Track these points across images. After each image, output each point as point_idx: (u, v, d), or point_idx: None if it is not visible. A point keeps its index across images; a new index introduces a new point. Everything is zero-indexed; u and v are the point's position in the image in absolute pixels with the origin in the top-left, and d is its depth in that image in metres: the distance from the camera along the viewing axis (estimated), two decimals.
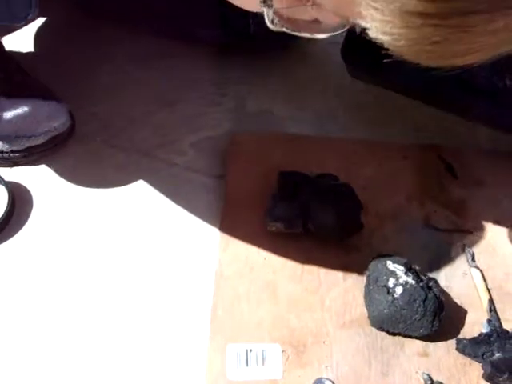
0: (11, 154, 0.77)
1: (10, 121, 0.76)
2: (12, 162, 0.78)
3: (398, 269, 0.60)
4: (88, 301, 0.66)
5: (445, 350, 0.60)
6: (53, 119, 0.77)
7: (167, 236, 0.72)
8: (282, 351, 0.59)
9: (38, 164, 0.78)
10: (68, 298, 0.66)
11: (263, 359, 0.58)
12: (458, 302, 0.64)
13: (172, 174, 0.78)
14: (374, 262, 0.63)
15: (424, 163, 0.79)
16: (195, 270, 0.68)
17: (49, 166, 0.78)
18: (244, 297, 0.63)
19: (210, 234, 0.71)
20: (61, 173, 0.78)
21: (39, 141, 0.77)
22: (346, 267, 0.66)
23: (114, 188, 0.77)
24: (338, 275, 0.66)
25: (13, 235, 0.71)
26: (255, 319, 0.61)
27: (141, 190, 0.77)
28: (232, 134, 0.80)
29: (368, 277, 0.63)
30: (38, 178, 0.77)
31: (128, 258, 0.70)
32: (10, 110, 0.77)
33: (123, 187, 0.77)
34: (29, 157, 0.78)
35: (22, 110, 0.77)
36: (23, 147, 0.77)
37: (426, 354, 0.60)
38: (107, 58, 0.92)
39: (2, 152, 0.76)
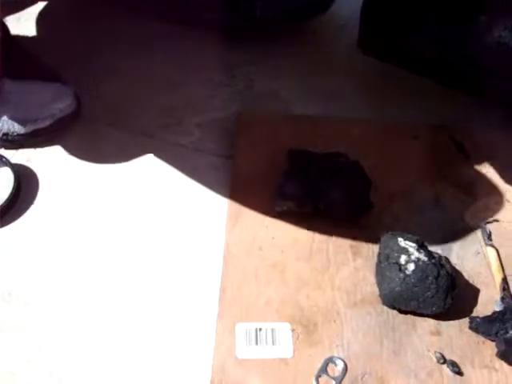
0: (17, 137, 0.77)
1: (15, 103, 0.76)
2: (18, 144, 0.78)
3: (410, 245, 0.59)
4: (95, 281, 0.65)
5: (457, 328, 0.59)
6: (58, 101, 0.77)
7: (175, 216, 0.71)
8: (292, 330, 0.58)
9: (43, 146, 0.78)
10: (75, 277, 0.65)
11: (273, 338, 0.57)
12: (471, 280, 0.64)
13: (179, 155, 0.78)
14: (385, 240, 0.62)
15: (435, 143, 0.78)
16: (203, 249, 0.68)
17: (54, 147, 0.78)
18: (252, 276, 0.62)
19: (218, 213, 0.70)
20: (66, 154, 0.78)
21: (45, 123, 0.77)
22: (356, 246, 0.65)
23: (119, 169, 0.76)
24: (347, 254, 0.65)
25: (19, 216, 0.71)
26: (264, 298, 0.61)
27: (147, 171, 0.76)
28: (240, 114, 0.80)
29: (379, 254, 0.62)
30: (43, 160, 0.77)
31: (136, 239, 0.69)
32: (16, 93, 0.77)
33: (129, 168, 0.76)
34: (35, 139, 0.77)
35: (27, 92, 0.77)
36: (29, 130, 0.76)
37: (438, 333, 0.59)
38: (114, 42, 0.92)
39: (8, 134, 0.76)
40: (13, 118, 0.76)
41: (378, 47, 0.84)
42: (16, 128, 0.76)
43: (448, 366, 0.57)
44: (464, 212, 0.70)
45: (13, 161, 0.75)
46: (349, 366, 0.56)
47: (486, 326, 0.58)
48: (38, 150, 0.78)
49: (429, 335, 0.59)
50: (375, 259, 0.63)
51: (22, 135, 0.77)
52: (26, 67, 0.79)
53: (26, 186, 0.74)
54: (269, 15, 0.91)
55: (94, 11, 0.96)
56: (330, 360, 0.56)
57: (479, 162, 0.76)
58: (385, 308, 0.60)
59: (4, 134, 0.76)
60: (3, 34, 0.79)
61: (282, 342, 0.57)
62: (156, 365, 0.59)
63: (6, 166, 0.74)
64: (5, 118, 0.75)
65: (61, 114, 0.77)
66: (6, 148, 0.77)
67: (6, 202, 0.70)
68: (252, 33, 0.94)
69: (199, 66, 0.91)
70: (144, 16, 0.96)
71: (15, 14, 0.95)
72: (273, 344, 0.57)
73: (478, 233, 0.68)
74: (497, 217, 0.70)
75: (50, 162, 0.77)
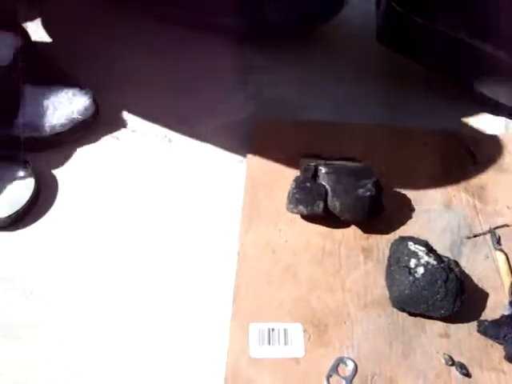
0: (38, 140, 0.78)
1: (36, 108, 0.78)
2: (39, 148, 0.79)
3: (420, 249, 0.61)
4: (113, 280, 0.67)
5: (466, 331, 0.61)
6: (77, 105, 0.79)
7: (190, 218, 0.73)
8: (304, 331, 0.60)
9: (63, 149, 0.80)
10: (94, 277, 0.67)
11: (285, 338, 0.59)
12: (480, 284, 0.65)
13: (194, 159, 0.80)
14: (395, 243, 0.64)
15: (445, 149, 0.79)
16: (218, 251, 0.69)
17: (73, 151, 0.80)
18: (265, 278, 0.64)
19: (232, 216, 0.71)
20: (84, 158, 0.80)
21: (65, 127, 0.78)
22: (367, 250, 0.67)
23: (137, 172, 0.78)
24: (358, 257, 0.66)
25: (40, 218, 0.73)
26: (277, 300, 0.62)
27: (164, 174, 0.78)
28: (253, 120, 0.81)
29: (389, 258, 0.63)
30: (63, 163, 0.79)
31: (152, 241, 0.71)
32: (36, 98, 0.78)
33: (146, 171, 0.78)
34: (55, 142, 0.79)
35: (47, 97, 0.79)
36: (50, 134, 0.78)
37: (447, 336, 0.60)
38: (130, 47, 0.94)
39: (29, 138, 0.78)
40: (34, 123, 0.78)
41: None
42: (37, 132, 0.78)
43: (456, 368, 0.58)
44: (474, 217, 0.71)
45: (33, 164, 0.77)
46: (359, 367, 0.57)
47: (494, 330, 0.60)
48: (58, 153, 0.80)
49: (438, 337, 0.60)
50: (385, 262, 0.64)
51: (42, 139, 0.78)
52: (46, 72, 0.81)
53: (45, 188, 0.76)
54: (280, 19, 0.92)
55: (108, 16, 0.97)
56: (340, 360, 0.58)
57: (489, 168, 0.77)
58: (394, 310, 0.62)
59: (26, 138, 0.78)
60: (24, 40, 0.81)
61: (293, 342, 0.59)
62: (171, 363, 0.60)
63: (27, 169, 0.76)
64: (26, 122, 0.77)
65: (80, 118, 0.79)
66: (27, 152, 0.79)
67: (26, 204, 0.72)
68: (264, 37, 0.95)
69: (212, 71, 0.92)
70: (157, 21, 0.97)
71: (34, 21, 0.96)
72: (285, 344, 0.59)
73: (488, 237, 0.69)
74: (506, 222, 0.71)
75: (69, 165, 0.78)
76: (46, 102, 0.79)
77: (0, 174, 0.77)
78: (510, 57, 0.79)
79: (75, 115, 0.79)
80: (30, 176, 0.75)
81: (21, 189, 0.75)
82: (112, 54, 0.91)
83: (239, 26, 0.94)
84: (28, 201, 0.73)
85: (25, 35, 0.82)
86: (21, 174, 0.77)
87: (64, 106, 0.79)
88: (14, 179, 0.76)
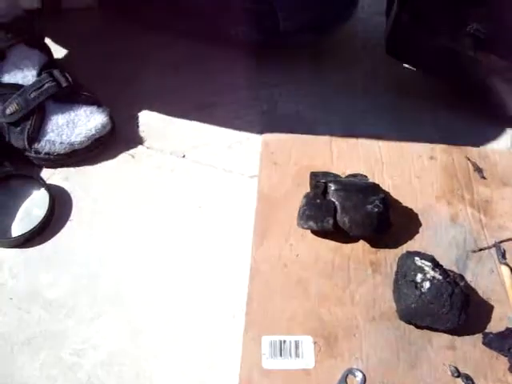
0: (57, 156, 0.81)
1: (57, 124, 0.81)
2: (59, 164, 0.82)
3: (426, 264, 0.63)
4: (132, 295, 0.70)
5: (471, 343, 0.63)
6: (95, 122, 0.81)
7: (203, 233, 0.75)
8: (314, 343, 0.62)
9: (81, 165, 0.83)
10: (111, 290, 0.70)
11: (296, 350, 0.61)
12: (485, 298, 0.66)
13: (207, 174, 0.82)
14: (402, 258, 0.66)
15: (451, 164, 0.80)
16: (230, 266, 0.72)
17: (89, 168, 0.83)
18: (277, 291, 0.66)
19: (244, 231, 0.74)
20: (100, 174, 0.82)
21: (82, 144, 0.81)
22: (375, 264, 0.69)
23: (151, 187, 0.81)
24: (367, 271, 0.68)
25: (57, 233, 0.76)
26: (288, 312, 0.64)
27: (177, 189, 0.80)
28: (264, 136, 0.84)
29: (397, 272, 0.65)
30: (80, 179, 0.81)
31: (166, 255, 0.73)
32: (57, 115, 0.81)
33: (160, 186, 0.81)
34: (73, 159, 0.82)
35: (67, 114, 0.81)
36: (69, 150, 0.81)
37: (453, 348, 0.62)
38: (145, 63, 0.96)
39: (50, 154, 0.81)
40: (54, 139, 0.80)
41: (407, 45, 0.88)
42: (57, 148, 0.80)
43: (462, 380, 0.60)
44: (479, 231, 0.73)
45: (50, 180, 0.80)
46: (367, 378, 0.59)
47: (498, 342, 0.62)
48: (75, 169, 0.82)
49: (444, 349, 0.62)
50: (393, 276, 0.66)
51: (61, 155, 0.81)
52: (67, 90, 0.83)
53: (62, 204, 0.78)
54: (292, 28, 0.93)
55: (121, 31, 1.00)
56: (349, 371, 0.60)
57: (495, 183, 0.78)
58: (402, 323, 0.64)
59: (46, 154, 0.81)
60: (48, 57, 0.84)
61: (304, 353, 0.61)
62: (187, 374, 0.63)
63: (42, 186, 0.79)
64: (47, 138, 0.80)
65: (97, 135, 0.82)
66: (47, 167, 0.82)
67: (40, 223, 0.75)
68: (276, 48, 0.97)
69: (225, 87, 0.94)
70: (170, 35, 0.99)
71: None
72: (296, 356, 0.61)
73: (493, 251, 0.71)
74: (511, 236, 0.72)
75: (86, 181, 0.81)
76: (66, 119, 0.81)
77: (15, 192, 0.79)
78: None
79: (94, 132, 0.81)
80: (44, 194, 0.78)
81: (35, 207, 0.78)
82: (129, 71, 0.94)
83: (251, 36, 0.95)
84: (42, 220, 0.75)
85: (48, 52, 0.85)
86: (36, 192, 0.79)
87: (82, 124, 0.81)
88: (29, 197, 0.79)
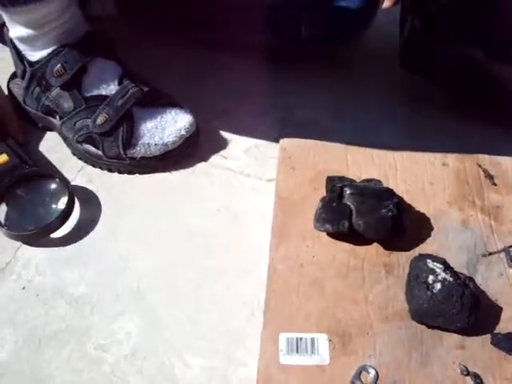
0: (153, 159, 0.84)
1: (146, 128, 0.83)
2: (152, 168, 0.85)
3: (437, 267, 0.65)
4: (154, 296, 0.73)
5: (480, 343, 0.65)
6: (183, 123, 0.84)
7: (223, 234, 0.78)
8: (329, 340, 0.64)
9: (172, 167, 0.86)
10: (135, 291, 0.73)
11: (312, 347, 0.64)
12: (494, 300, 0.68)
13: (226, 178, 0.85)
14: (414, 261, 0.68)
15: (463, 170, 0.83)
16: (250, 265, 0.75)
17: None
18: (294, 291, 0.68)
19: (262, 233, 0.76)
20: (123, 176, 0.85)
21: (175, 144, 0.84)
22: (389, 266, 0.71)
23: (171, 190, 0.84)
24: (381, 273, 0.71)
25: (86, 234, 0.79)
26: (304, 311, 0.67)
27: (197, 192, 0.83)
28: (282, 141, 0.86)
29: (409, 274, 0.68)
30: (102, 181, 0.85)
31: (186, 257, 0.76)
32: (145, 119, 0.83)
33: (180, 189, 0.84)
34: (166, 160, 0.85)
35: (154, 117, 0.84)
36: (163, 151, 0.83)
37: (462, 347, 0.64)
38: (163, 71, 0.99)
39: (144, 158, 0.83)
40: (148, 141, 0.83)
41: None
42: (152, 150, 0.83)
43: (471, 378, 0.61)
44: (489, 236, 0.75)
45: (74, 182, 0.84)
46: (380, 375, 0.62)
47: (507, 342, 0.64)
48: (100, 171, 0.86)
49: (454, 349, 0.64)
50: (406, 278, 0.68)
51: (156, 157, 0.84)
52: (148, 94, 0.85)
53: (86, 205, 0.82)
54: (313, 36, 0.96)
55: (138, 41, 1.03)
56: (363, 368, 0.62)
57: (506, 189, 0.80)
58: (414, 323, 0.66)
59: (141, 158, 0.83)
60: (123, 67, 0.86)
61: (320, 350, 0.63)
62: (207, 370, 0.66)
63: (64, 186, 0.81)
64: (141, 142, 0.82)
65: (187, 134, 0.84)
66: (140, 173, 0.85)
67: (60, 212, 0.77)
68: (295, 56, 1.00)
69: (242, 95, 0.98)
70: (188, 43, 1.02)
71: None
72: (312, 352, 0.63)
73: (502, 255, 0.73)
74: None
75: (109, 183, 0.84)
76: (154, 123, 0.83)
77: (39, 191, 0.81)
78: None
79: (183, 132, 0.83)
80: (65, 192, 0.80)
81: (55, 204, 0.80)
82: (144, 77, 0.95)
83: (272, 44, 0.98)
84: (59, 214, 0.77)
85: (122, 62, 0.87)
86: (58, 192, 0.81)
87: (171, 124, 0.84)
88: (51, 196, 0.81)
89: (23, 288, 0.73)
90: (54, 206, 0.80)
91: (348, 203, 0.72)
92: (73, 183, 0.84)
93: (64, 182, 0.82)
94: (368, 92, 1.00)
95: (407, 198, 0.78)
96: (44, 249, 0.77)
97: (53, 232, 0.77)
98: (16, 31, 0.81)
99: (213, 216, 0.80)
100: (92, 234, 0.79)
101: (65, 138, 0.88)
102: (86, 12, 0.89)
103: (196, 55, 1.03)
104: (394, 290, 0.69)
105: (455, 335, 0.65)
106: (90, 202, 0.82)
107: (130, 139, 0.82)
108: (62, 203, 0.79)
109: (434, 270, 0.65)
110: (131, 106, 0.83)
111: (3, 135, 0.86)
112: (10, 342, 0.68)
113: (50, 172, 0.83)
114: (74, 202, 0.80)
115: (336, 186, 0.74)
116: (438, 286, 0.64)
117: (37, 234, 0.77)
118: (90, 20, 0.87)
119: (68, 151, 0.88)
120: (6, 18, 0.80)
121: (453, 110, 0.95)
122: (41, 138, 0.91)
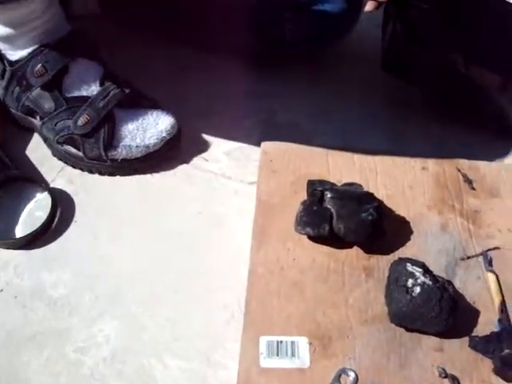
0: (134, 161, 0.83)
1: (128, 130, 0.82)
2: (133, 169, 0.84)
3: (417, 270, 0.66)
4: (135, 297, 0.72)
5: (458, 346, 0.65)
6: (164, 125, 0.83)
7: (203, 237, 0.78)
8: (309, 343, 0.64)
9: (154, 169, 0.86)
10: (115, 291, 0.73)
11: (292, 350, 0.64)
12: (472, 303, 0.69)
13: (207, 180, 0.85)
14: (394, 264, 0.69)
15: (442, 175, 0.84)
16: (230, 268, 0.75)
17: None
18: (275, 294, 0.69)
19: (243, 235, 0.76)
20: (103, 178, 0.85)
21: (156, 146, 0.83)
22: (368, 269, 0.72)
23: (152, 192, 0.84)
24: (361, 276, 0.71)
25: (61, 234, 0.78)
26: (285, 314, 0.67)
27: (178, 193, 0.83)
28: (263, 144, 0.86)
29: (389, 277, 0.68)
30: (82, 183, 0.84)
31: (166, 259, 0.76)
32: (126, 120, 0.83)
33: (161, 191, 0.84)
34: (147, 163, 0.84)
35: (135, 119, 0.83)
36: (144, 153, 0.83)
37: (441, 350, 0.65)
38: (145, 71, 0.98)
39: (125, 160, 0.83)
40: (129, 143, 0.82)
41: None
42: (134, 152, 0.82)
43: (449, 380, 0.62)
44: (468, 239, 0.76)
45: (54, 183, 0.83)
46: (359, 377, 0.62)
47: (484, 345, 0.64)
48: (79, 172, 0.85)
49: (432, 351, 0.65)
50: (385, 281, 0.69)
51: (137, 159, 0.83)
52: (129, 96, 0.85)
53: (66, 206, 0.81)
54: (297, 38, 0.96)
55: (121, 40, 1.01)
56: (342, 371, 0.62)
57: (484, 194, 0.82)
58: (393, 326, 0.66)
59: (122, 160, 0.82)
60: (104, 68, 0.85)
61: (300, 353, 0.64)
62: (188, 371, 0.66)
63: (45, 189, 0.81)
64: (123, 143, 0.82)
65: (168, 136, 0.84)
66: (121, 175, 0.84)
67: (44, 221, 0.77)
68: (278, 59, 1.00)
69: (224, 97, 0.97)
70: (171, 43, 1.01)
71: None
72: (292, 355, 0.63)
73: (480, 259, 0.74)
74: (498, 244, 0.75)
75: (89, 184, 0.84)
76: (135, 124, 0.83)
77: (19, 194, 0.81)
78: None
79: (164, 134, 0.83)
80: (47, 197, 0.79)
81: (38, 210, 0.79)
82: (126, 76, 0.92)
83: (255, 46, 0.97)
84: (44, 222, 0.77)
85: (104, 63, 0.86)
86: (39, 195, 0.81)
87: (152, 127, 0.83)
88: (33, 200, 0.81)
89: (1, 290, 0.72)
90: (37, 213, 0.79)
91: (329, 207, 0.72)
92: (53, 184, 0.83)
93: (47, 188, 0.81)
94: (350, 95, 1.00)
95: (387, 202, 0.78)
96: (23, 251, 0.76)
97: (36, 241, 0.77)
98: None
99: (194, 218, 0.80)
100: (71, 236, 0.78)
101: (45, 139, 0.87)
102: (69, 11, 0.88)
103: (180, 56, 1.02)
104: (374, 293, 0.69)
105: (434, 338, 0.66)
106: (70, 204, 0.81)
107: (112, 141, 0.82)
108: (45, 211, 0.78)
109: (413, 273, 0.66)
110: (113, 108, 0.82)
111: None
112: None
113: (32, 175, 0.83)
114: (57, 210, 0.79)
115: (317, 189, 0.74)
116: (418, 289, 0.64)
117: (20, 241, 0.76)
118: (73, 19, 0.86)
119: (48, 152, 0.87)
120: None
121: (434, 115, 0.96)
122: (21, 138, 0.90)
